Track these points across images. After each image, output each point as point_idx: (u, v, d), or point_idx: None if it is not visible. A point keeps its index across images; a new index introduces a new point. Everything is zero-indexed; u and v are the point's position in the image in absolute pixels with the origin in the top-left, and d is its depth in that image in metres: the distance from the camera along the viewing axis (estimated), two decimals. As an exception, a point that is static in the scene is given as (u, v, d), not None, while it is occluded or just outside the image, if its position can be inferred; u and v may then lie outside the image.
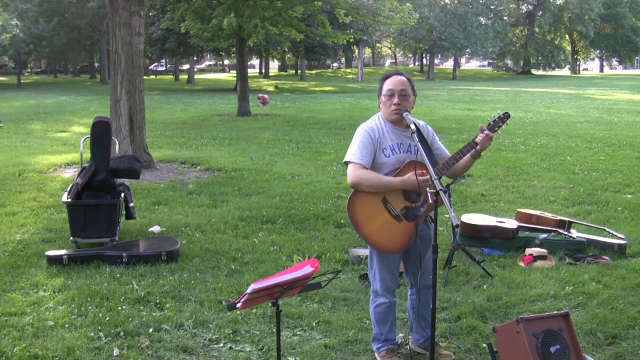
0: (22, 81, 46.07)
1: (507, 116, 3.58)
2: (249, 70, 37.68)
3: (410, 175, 3.48)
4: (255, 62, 71.33)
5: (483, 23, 56.09)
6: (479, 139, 3.47)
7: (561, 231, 6.12)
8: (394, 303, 3.78)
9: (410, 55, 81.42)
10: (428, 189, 3.29)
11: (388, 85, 3.61)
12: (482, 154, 3.57)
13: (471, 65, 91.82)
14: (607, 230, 6.34)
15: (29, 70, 69.64)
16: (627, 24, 62.60)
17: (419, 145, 3.37)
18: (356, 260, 5.55)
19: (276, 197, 8.12)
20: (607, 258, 5.59)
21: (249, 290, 2.86)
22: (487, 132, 3.48)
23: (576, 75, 65.98)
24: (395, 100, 3.57)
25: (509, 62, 69.12)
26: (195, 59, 50.43)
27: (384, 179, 3.53)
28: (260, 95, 25.30)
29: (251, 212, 7.26)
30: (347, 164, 3.63)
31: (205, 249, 5.88)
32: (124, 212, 6.41)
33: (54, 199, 7.98)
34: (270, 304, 3.63)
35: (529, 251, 5.63)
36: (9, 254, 5.70)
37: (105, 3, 15.47)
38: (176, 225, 6.73)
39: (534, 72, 67.05)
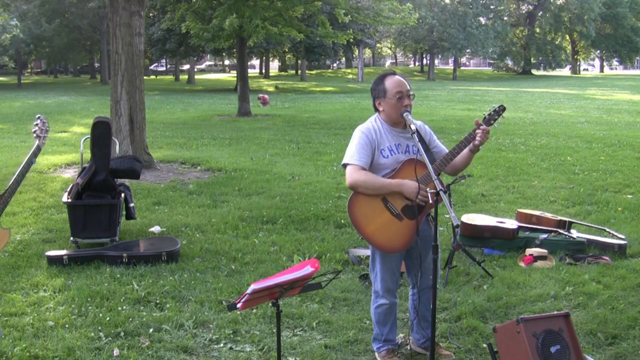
0: (22, 81, 46.07)
1: (502, 109, 3.59)
2: (249, 70, 37.68)
3: (408, 180, 3.49)
4: (255, 62, 71.31)
5: (483, 23, 56.06)
6: (478, 134, 3.48)
7: (561, 231, 6.12)
8: (395, 304, 3.79)
9: (410, 55, 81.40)
10: (428, 189, 3.30)
11: (395, 87, 3.60)
12: (480, 148, 3.57)
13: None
14: (607, 230, 6.34)
15: (29, 70, 69.65)
16: (627, 24, 62.55)
17: (419, 145, 3.38)
18: (356, 260, 5.55)
19: (276, 197, 8.12)
20: (607, 258, 5.58)
21: (249, 290, 2.86)
22: (483, 126, 3.49)
23: (576, 75, 65.98)
24: (406, 102, 3.58)
25: (509, 62, 69.10)
26: (195, 59, 50.43)
27: (381, 181, 3.53)
28: (260, 95, 25.30)
29: (251, 212, 7.26)
30: (345, 166, 3.63)
31: (205, 249, 5.88)
32: (124, 212, 6.41)
33: (54, 199, 7.98)
34: (270, 304, 3.63)
35: (529, 251, 5.62)
36: (9, 254, 5.69)
37: (105, 3, 15.48)
38: (176, 225, 6.73)
39: (534, 72, 67.04)
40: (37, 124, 3.77)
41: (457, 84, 46.95)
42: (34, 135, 3.74)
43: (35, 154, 3.64)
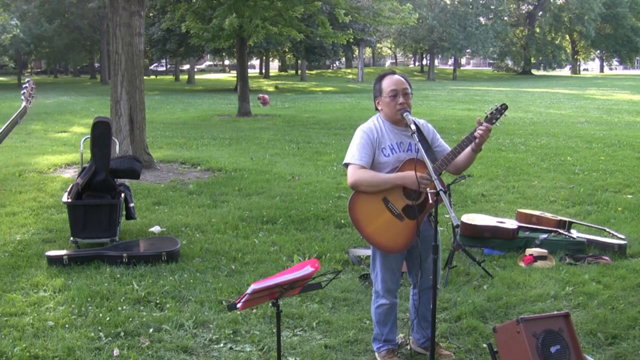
0: (22, 81, 46.02)
1: (504, 107, 3.57)
2: (249, 70, 37.69)
3: (409, 172, 3.49)
4: (255, 62, 71.31)
5: (483, 23, 56.06)
6: (478, 132, 3.48)
7: (561, 231, 6.12)
8: (395, 304, 3.79)
9: (410, 55, 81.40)
10: (428, 189, 3.30)
11: (389, 85, 3.61)
12: (482, 147, 3.56)
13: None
14: (607, 230, 6.34)
15: (29, 70, 69.64)
16: (627, 24, 62.58)
17: (419, 144, 3.38)
18: (356, 260, 5.55)
19: (276, 197, 8.12)
20: (607, 258, 5.58)
21: (249, 290, 2.86)
22: (485, 124, 3.49)
23: (576, 75, 65.97)
24: (400, 100, 3.58)
25: (509, 62, 69.11)
26: (195, 59, 50.42)
27: (381, 176, 3.53)
28: (260, 95, 25.30)
29: (251, 212, 7.26)
30: (346, 165, 3.64)
31: (205, 249, 5.88)
32: (124, 212, 6.41)
33: (54, 199, 7.98)
34: (270, 304, 3.63)
35: (529, 251, 5.62)
36: (9, 254, 5.70)
37: (105, 3, 15.48)
38: (176, 225, 6.73)
39: (534, 72, 67.05)
40: (25, 87, 3.94)
41: (457, 84, 46.94)
42: (22, 97, 3.88)
43: (22, 115, 3.81)
